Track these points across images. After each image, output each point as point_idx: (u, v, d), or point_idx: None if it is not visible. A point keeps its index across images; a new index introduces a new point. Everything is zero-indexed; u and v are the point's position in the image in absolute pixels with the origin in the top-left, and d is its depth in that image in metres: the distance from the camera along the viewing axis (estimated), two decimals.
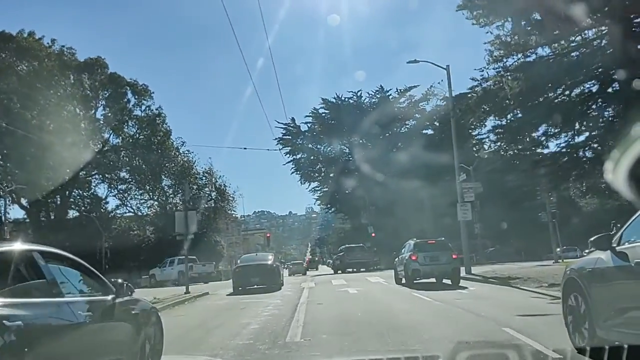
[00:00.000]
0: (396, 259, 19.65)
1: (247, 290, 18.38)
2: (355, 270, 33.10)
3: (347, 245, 39.00)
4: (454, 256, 17.22)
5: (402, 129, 47.93)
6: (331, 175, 47.63)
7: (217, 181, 51.22)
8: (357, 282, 20.20)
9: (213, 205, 52.69)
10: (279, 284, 19.40)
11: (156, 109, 47.02)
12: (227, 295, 18.34)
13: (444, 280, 17.20)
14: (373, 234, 43.07)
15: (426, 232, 39.54)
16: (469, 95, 22.66)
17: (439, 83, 42.09)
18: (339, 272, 33.52)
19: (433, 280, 17.21)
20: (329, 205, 52.83)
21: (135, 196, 49.70)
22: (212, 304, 15.78)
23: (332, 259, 44.64)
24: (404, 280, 17.86)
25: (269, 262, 19.78)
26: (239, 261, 23.23)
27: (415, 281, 16.85)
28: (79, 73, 41.84)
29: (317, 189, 51.49)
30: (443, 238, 18.93)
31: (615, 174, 1.17)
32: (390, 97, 46.48)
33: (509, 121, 22.28)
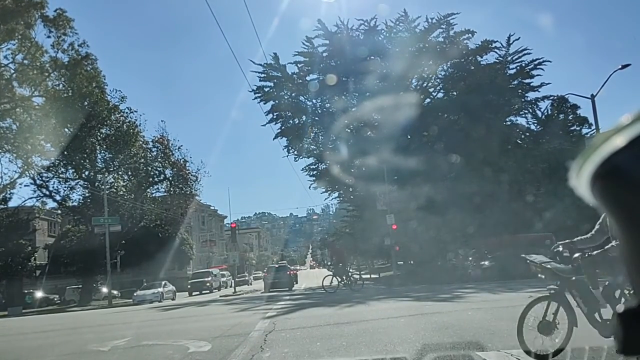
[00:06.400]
0: None
1: None
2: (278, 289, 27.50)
3: (272, 265, 37.51)
4: None
5: (432, 78, 33.40)
6: (332, 140, 33.03)
7: (172, 154, 36.73)
8: None
9: (170, 188, 38.18)
10: None
11: (79, 45, 32.74)
12: None
13: None
14: (394, 226, 28.54)
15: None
16: None
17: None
18: (270, 290, 28.10)
19: None
20: (329, 189, 38.13)
21: (59, 174, 35.28)
22: None
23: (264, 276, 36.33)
24: None
25: None
26: None
27: None
28: None
29: (312, 167, 36.83)
30: None
31: (579, 179, 0.57)
32: (418, 28, 31.95)
33: None
